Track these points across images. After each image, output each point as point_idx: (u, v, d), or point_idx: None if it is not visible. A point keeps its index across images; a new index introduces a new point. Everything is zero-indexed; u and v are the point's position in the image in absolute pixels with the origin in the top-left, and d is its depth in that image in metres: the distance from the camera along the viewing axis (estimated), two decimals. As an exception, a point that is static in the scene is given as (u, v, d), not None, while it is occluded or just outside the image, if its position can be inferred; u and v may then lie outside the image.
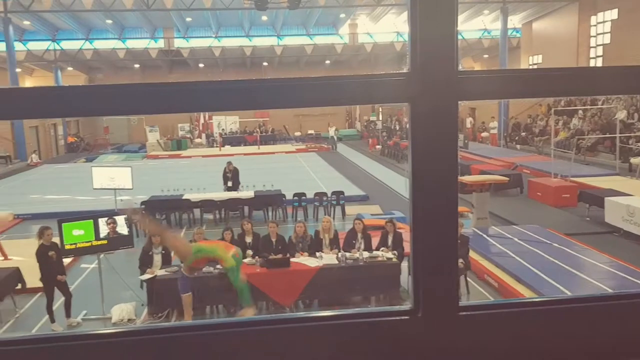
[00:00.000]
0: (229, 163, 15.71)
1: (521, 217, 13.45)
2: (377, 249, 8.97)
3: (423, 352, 1.34)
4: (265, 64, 39.71)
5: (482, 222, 12.22)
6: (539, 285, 8.53)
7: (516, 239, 11.12)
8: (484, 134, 31.91)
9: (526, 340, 1.37)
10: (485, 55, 38.62)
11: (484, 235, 11.44)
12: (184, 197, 14.28)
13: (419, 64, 1.21)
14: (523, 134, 28.85)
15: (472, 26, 35.71)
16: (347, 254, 8.64)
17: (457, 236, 1.31)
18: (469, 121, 34.16)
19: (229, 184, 15.25)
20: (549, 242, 10.84)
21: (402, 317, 1.34)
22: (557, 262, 9.61)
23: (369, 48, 37.98)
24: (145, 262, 8.53)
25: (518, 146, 28.10)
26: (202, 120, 37.17)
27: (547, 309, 1.40)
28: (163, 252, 8.66)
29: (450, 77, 1.22)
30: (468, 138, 29.47)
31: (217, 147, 33.10)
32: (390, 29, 36.68)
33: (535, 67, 29.53)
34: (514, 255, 10.02)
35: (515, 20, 34.21)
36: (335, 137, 33.22)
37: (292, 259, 8.59)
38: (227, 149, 31.35)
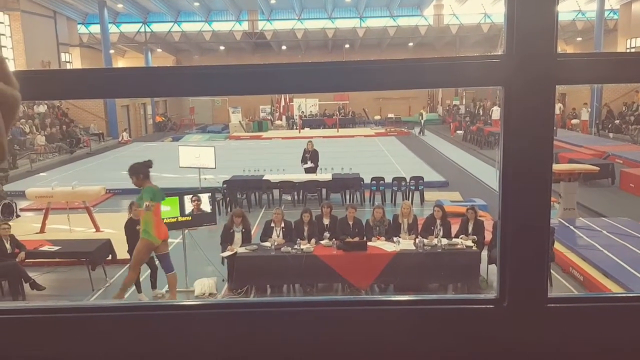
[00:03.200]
0: (310, 142, 15.86)
1: (611, 209, 12.76)
2: (457, 236, 8.81)
3: (507, 343, 1.31)
4: (347, 46, 39.57)
5: (569, 213, 11.70)
6: (629, 281, 8.09)
7: (605, 232, 10.57)
8: (574, 121, 30.43)
9: (617, 336, 1.31)
10: (579, 39, 36.64)
11: (571, 227, 10.95)
12: (264, 178, 14.58)
13: (515, 46, 1.16)
14: (617, 121, 27.24)
15: (566, 7, 33.90)
16: (425, 240, 8.54)
17: (549, 226, 1.26)
18: (558, 107, 32.61)
19: (309, 163, 15.40)
20: (641, 236, 10.24)
21: (487, 306, 1.31)
22: (649, 258, 9.07)
23: (454, 30, 36.93)
24: (227, 240, 8.80)
25: (611, 134, 26.59)
26: (282, 103, 37.65)
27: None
28: (243, 230, 8.90)
29: (548, 60, 1.16)
30: (557, 125, 28.20)
31: (296, 129, 33.47)
32: (477, 10, 35.48)
33: (633, 50, 27.70)
34: (602, 249, 9.53)
35: (612, 1, 32.17)
36: (422, 122, 32.11)
37: (369, 243, 8.60)
38: (306, 132, 31.62)
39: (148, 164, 7.82)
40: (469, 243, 8.51)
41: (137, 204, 7.92)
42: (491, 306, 1.30)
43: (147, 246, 7.84)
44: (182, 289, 8.68)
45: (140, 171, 7.69)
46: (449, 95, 39.30)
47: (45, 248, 9.31)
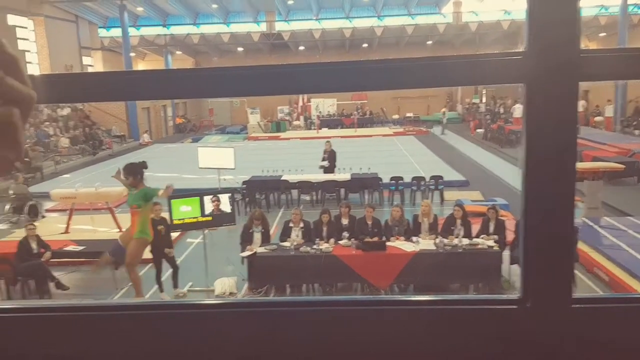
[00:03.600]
0: (328, 143, 15.88)
1: (637, 208, 12.54)
2: (478, 236, 8.74)
3: (530, 344, 1.29)
4: (364, 45, 39.47)
5: (593, 212, 11.53)
6: (655, 281, 7.97)
7: (631, 231, 10.40)
8: (598, 118, 29.96)
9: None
10: (602, 34, 36.06)
11: (595, 226, 10.79)
12: (282, 178, 14.61)
13: (537, 42, 1.14)
14: (641, 118, 26.80)
15: (588, 2, 33.38)
16: (445, 240, 8.48)
17: (574, 224, 1.24)
18: (581, 104, 32.14)
19: (325, 164, 15.40)
20: (667, 235, 10.05)
21: (509, 307, 1.30)
22: (676, 258, 8.90)
23: (473, 27, 36.59)
24: (246, 240, 8.84)
25: (636, 132, 26.13)
26: (300, 103, 37.70)
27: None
28: (262, 230, 8.93)
29: (571, 56, 1.14)
30: (580, 122, 27.80)
31: (314, 129, 33.48)
32: (497, 6, 35.10)
33: (657, 46, 27.17)
34: (627, 248, 9.39)
35: (636, -5, 31.64)
36: (444, 120, 31.87)
37: (388, 243, 8.57)
38: (325, 132, 31.59)
39: (144, 165, 7.98)
40: (490, 243, 8.43)
41: (135, 205, 7.98)
42: (514, 306, 1.29)
43: (143, 244, 8.14)
44: (203, 288, 8.75)
45: (138, 172, 7.85)
46: (469, 94, 39.01)
47: (70, 248, 9.46)
